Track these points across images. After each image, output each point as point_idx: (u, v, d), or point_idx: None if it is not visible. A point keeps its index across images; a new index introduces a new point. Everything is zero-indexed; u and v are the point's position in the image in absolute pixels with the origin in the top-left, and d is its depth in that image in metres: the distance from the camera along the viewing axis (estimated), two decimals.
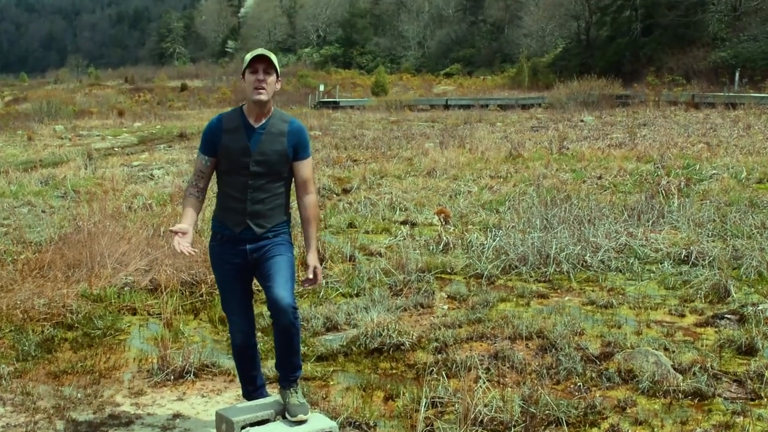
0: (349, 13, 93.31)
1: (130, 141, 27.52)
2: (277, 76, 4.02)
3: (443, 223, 9.83)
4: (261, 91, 3.93)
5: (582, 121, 28.38)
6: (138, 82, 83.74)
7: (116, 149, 24.08)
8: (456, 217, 10.13)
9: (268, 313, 4.02)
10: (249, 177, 3.98)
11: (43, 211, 11.36)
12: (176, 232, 3.92)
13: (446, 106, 42.02)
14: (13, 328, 5.91)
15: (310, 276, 4.06)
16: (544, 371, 4.94)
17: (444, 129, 26.39)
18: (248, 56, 3.97)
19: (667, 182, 11.80)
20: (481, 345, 5.47)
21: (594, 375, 4.86)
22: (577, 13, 65.56)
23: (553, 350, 5.25)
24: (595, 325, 5.81)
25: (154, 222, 9.25)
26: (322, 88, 51.83)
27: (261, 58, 3.94)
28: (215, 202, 4.18)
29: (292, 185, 4.20)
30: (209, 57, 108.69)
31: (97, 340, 5.73)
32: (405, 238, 8.82)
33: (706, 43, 49.72)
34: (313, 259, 4.10)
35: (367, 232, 9.53)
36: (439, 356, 5.26)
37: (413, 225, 9.83)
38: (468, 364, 5.02)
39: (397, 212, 10.65)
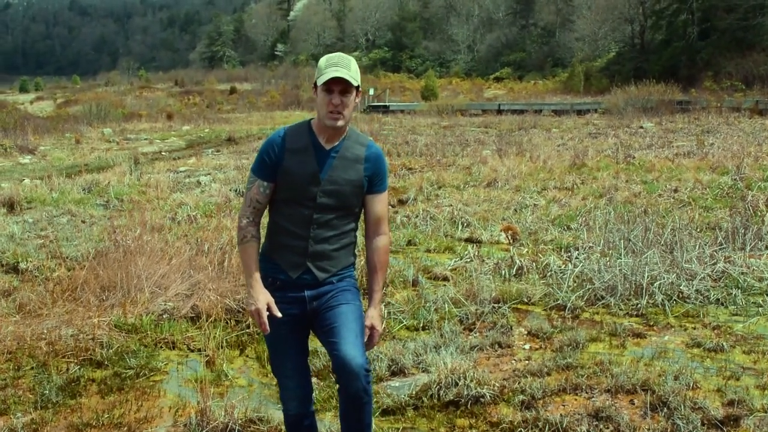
0: (399, 17, 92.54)
1: (178, 145, 27.05)
2: (358, 90, 3.18)
3: (511, 241, 8.97)
4: (337, 116, 3.12)
5: (641, 127, 27.27)
6: (188, 85, 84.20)
7: (164, 153, 23.58)
8: (524, 234, 9.26)
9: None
10: (314, 210, 3.19)
11: (83, 221, 10.73)
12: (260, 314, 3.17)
13: (499, 111, 40.97)
14: (35, 365, 5.19)
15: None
16: None
17: (499, 135, 25.44)
18: (323, 65, 3.13)
19: (753, 197, 10.78)
20: (575, 399, 4.61)
21: None
22: (630, 17, 63.98)
23: (665, 409, 4.36)
24: (708, 376, 4.91)
25: (198, 237, 8.53)
26: (371, 92, 50.92)
27: (337, 81, 3.09)
28: (265, 234, 3.39)
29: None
30: (258, 60, 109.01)
31: (128, 382, 4.98)
32: (472, 260, 7.97)
33: (766, 48, 47.94)
34: (373, 317, 3.31)
35: (428, 251, 8.71)
36: (527, 413, 4.41)
37: (478, 243, 8.98)
38: (563, 424, 4.19)
39: (460, 228, 9.79)
